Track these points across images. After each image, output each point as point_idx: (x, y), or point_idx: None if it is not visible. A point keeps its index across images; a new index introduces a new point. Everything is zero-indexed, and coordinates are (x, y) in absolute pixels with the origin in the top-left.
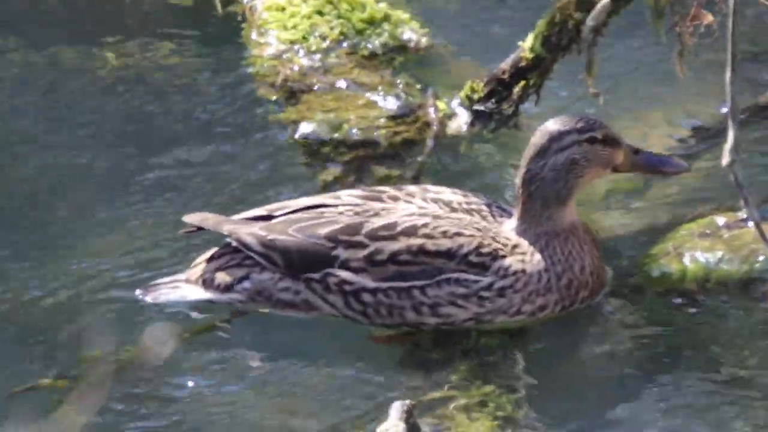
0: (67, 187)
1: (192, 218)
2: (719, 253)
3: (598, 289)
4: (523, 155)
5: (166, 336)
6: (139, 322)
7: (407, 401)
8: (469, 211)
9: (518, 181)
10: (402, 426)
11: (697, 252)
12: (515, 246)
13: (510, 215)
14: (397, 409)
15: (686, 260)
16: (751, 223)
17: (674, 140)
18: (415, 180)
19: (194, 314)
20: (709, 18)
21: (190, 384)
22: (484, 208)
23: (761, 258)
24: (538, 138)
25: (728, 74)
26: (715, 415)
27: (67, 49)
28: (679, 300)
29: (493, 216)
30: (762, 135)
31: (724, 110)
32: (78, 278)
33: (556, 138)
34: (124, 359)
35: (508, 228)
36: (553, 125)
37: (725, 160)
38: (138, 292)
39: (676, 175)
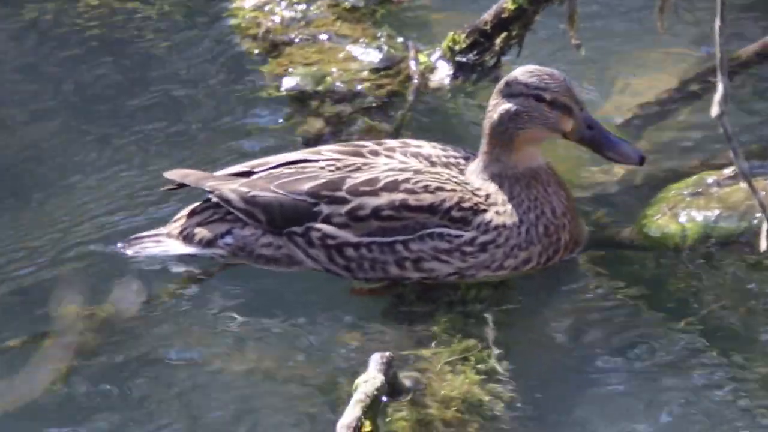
0: (47, 141)
1: (174, 174)
2: (716, 212)
3: (577, 233)
4: None
5: (138, 290)
6: (120, 276)
7: (386, 353)
8: (447, 165)
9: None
10: (380, 378)
11: (693, 211)
12: (487, 196)
13: None
14: (375, 360)
15: (683, 219)
16: (741, 180)
17: (654, 93)
18: (396, 134)
19: (175, 268)
20: None
21: (169, 339)
22: (462, 161)
23: (759, 214)
24: (502, 79)
25: (717, 23)
26: (701, 374)
27: (42, 4)
28: (665, 256)
29: None
30: (743, 89)
31: (705, 64)
32: (58, 232)
33: (509, 84)
34: (102, 312)
35: (470, 170)
36: (515, 72)
37: (714, 110)
38: (119, 245)
39: (624, 163)
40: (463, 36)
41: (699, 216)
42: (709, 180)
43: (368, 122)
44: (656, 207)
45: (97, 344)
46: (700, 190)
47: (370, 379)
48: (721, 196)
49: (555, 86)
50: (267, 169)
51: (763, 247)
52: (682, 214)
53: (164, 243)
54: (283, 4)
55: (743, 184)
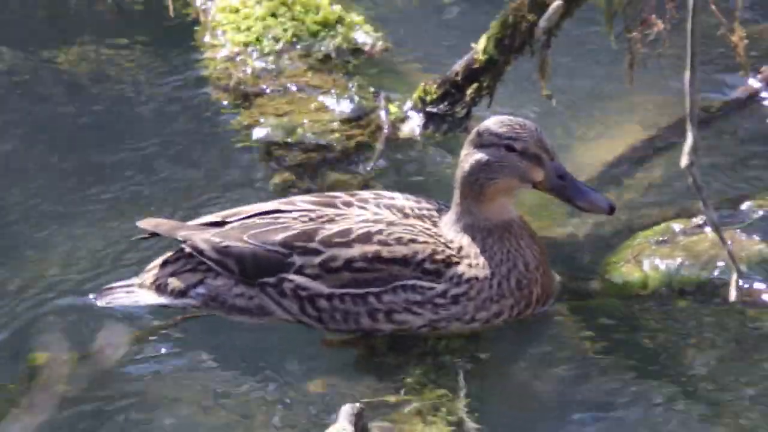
0: (18, 191)
1: (146, 224)
2: (679, 260)
3: (549, 286)
4: None
5: (118, 339)
6: (92, 326)
7: (356, 404)
8: (421, 217)
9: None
10: (350, 429)
11: (656, 259)
12: (460, 249)
13: None
14: (345, 412)
15: (646, 267)
16: (708, 229)
17: (625, 143)
18: (365, 185)
19: (147, 319)
20: (660, 25)
21: (141, 388)
22: (435, 213)
23: (720, 264)
24: (473, 131)
25: (687, 74)
26: (674, 422)
27: (17, 53)
28: (633, 306)
29: None
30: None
31: (677, 117)
32: (30, 282)
33: (481, 134)
34: (76, 363)
35: (443, 222)
36: (487, 122)
37: (684, 161)
38: (91, 296)
39: (594, 213)
40: (434, 87)
41: (662, 264)
42: (677, 228)
43: (338, 173)
44: (621, 254)
45: (77, 393)
46: (666, 238)
47: (340, 431)
48: (686, 245)
49: (526, 136)
50: (240, 219)
51: (732, 297)
52: (645, 262)
53: (136, 293)
54: (255, 54)
55: (709, 233)
